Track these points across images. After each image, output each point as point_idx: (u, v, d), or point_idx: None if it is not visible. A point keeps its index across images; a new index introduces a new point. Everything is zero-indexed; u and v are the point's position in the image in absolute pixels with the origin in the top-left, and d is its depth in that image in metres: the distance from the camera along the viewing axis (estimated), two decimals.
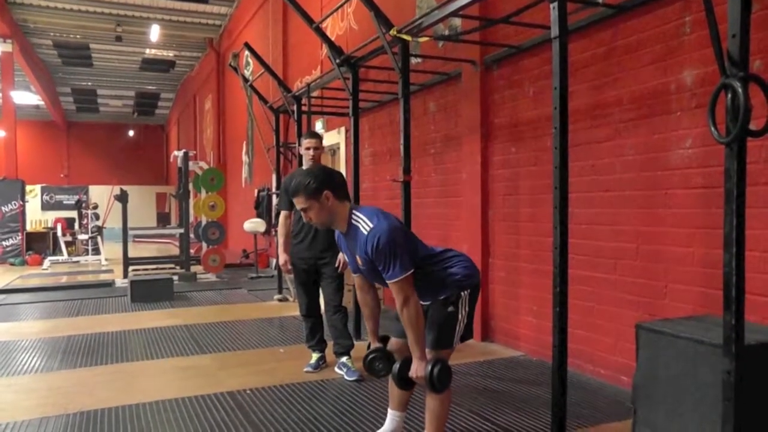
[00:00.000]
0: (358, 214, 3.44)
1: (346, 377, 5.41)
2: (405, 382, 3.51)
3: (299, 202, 3.48)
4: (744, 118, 2.66)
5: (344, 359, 5.56)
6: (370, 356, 3.58)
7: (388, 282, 3.30)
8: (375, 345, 3.68)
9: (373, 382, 5.24)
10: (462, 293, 3.46)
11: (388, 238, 3.25)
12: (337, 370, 5.58)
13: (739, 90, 2.68)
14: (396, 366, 3.47)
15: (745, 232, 2.77)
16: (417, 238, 3.59)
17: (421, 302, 3.41)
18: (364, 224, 3.36)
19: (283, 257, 5.70)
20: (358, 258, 3.45)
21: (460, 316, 3.45)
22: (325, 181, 3.46)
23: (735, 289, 2.76)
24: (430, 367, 3.30)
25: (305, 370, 5.66)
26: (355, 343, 5.68)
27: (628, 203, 4.98)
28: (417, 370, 3.33)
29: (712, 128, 2.85)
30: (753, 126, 2.72)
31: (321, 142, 5.82)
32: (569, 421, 4.03)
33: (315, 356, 5.78)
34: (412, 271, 3.29)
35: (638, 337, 3.91)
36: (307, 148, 5.65)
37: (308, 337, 5.84)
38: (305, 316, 5.80)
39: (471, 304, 3.53)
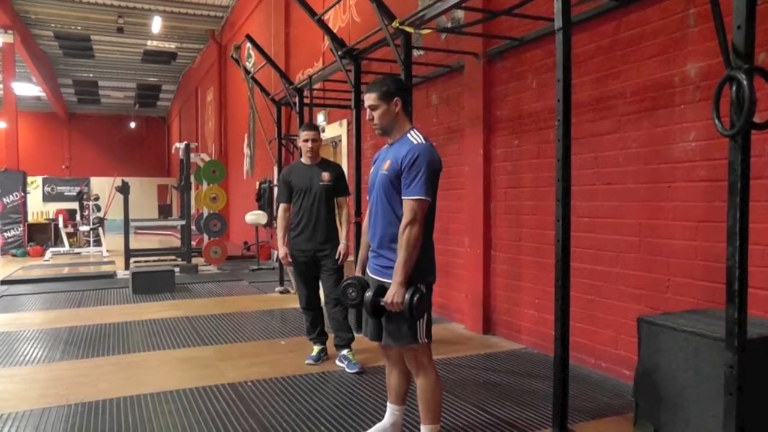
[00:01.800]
0: (417, 132, 3.47)
1: (347, 370, 5.41)
2: (376, 310, 3.36)
3: (369, 99, 3.48)
4: (749, 110, 2.65)
5: (345, 352, 5.56)
6: (346, 282, 3.51)
7: (405, 198, 3.28)
8: (357, 274, 3.67)
9: (374, 376, 5.25)
10: (419, 286, 3.35)
11: (429, 159, 3.29)
12: (338, 362, 5.58)
13: (744, 82, 2.67)
14: (369, 293, 3.35)
15: (749, 225, 2.76)
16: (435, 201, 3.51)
17: (381, 278, 3.40)
18: (418, 138, 3.40)
19: (282, 250, 5.67)
20: (387, 162, 3.42)
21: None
22: (399, 89, 3.51)
23: (738, 283, 2.75)
24: (410, 294, 3.22)
25: (306, 362, 5.66)
26: (356, 335, 5.67)
27: (630, 196, 4.97)
28: (395, 295, 3.23)
29: (717, 121, 2.83)
30: (757, 119, 2.71)
31: (319, 134, 5.75)
32: (570, 414, 4.04)
33: (316, 348, 5.77)
34: (429, 200, 3.29)
35: (640, 330, 3.91)
36: (305, 140, 5.59)
37: (309, 330, 5.84)
38: (305, 308, 5.78)
39: (428, 300, 3.44)
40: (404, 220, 3.27)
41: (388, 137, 3.56)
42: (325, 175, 5.57)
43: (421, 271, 3.37)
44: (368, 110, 3.51)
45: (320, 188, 5.54)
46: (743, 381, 2.79)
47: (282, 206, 5.74)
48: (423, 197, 3.25)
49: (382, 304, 3.30)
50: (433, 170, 3.32)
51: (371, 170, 3.68)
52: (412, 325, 3.33)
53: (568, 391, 3.96)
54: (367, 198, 3.68)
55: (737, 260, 2.75)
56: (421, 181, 3.25)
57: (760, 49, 3.74)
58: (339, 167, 5.86)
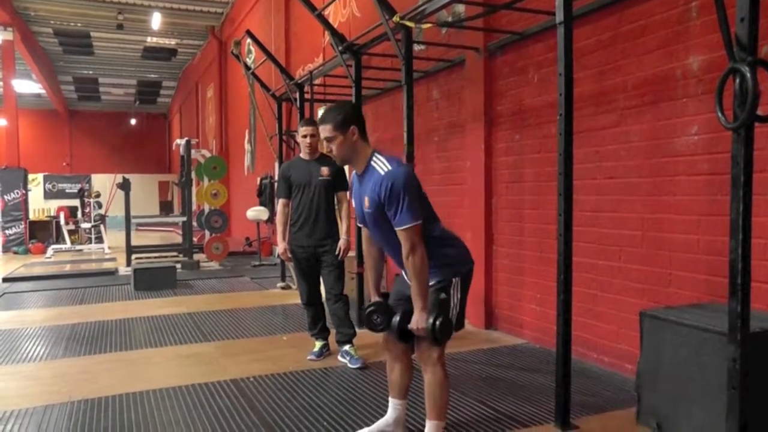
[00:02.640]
0: (379, 156, 3.41)
1: (349, 365, 5.41)
2: (404, 335, 3.44)
3: (324, 131, 3.44)
4: (752, 103, 2.64)
5: (347, 347, 5.56)
6: (369, 309, 3.53)
7: (396, 229, 3.26)
8: (375, 299, 3.66)
9: (376, 371, 5.24)
10: (453, 279, 3.42)
11: (404, 182, 3.23)
12: (340, 358, 5.58)
13: (748, 75, 2.66)
14: (396, 318, 3.41)
15: (752, 218, 2.76)
16: (429, 202, 3.50)
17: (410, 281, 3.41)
18: (383, 165, 3.33)
19: (281, 246, 5.68)
20: (366, 200, 3.38)
21: (452, 303, 3.39)
22: (354, 117, 3.47)
23: (741, 276, 2.75)
24: (432, 319, 3.25)
25: (308, 358, 5.67)
26: (357, 331, 5.66)
27: (632, 190, 4.96)
28: (418, 321, 3.27)
29: (719, 114, 2.83)
30: (761, 111, 2.70)
31: (317, 129, 5.63)
32: (573, 408, 4.04)
33: (318, 344, 5.77)
34: (420, 221, 3.25)
35: (642, 324, 3.91)
36: (304, 136, 5.56)
37: (310, 326, 5.83)
38: (306, 304, 5.77)
39: (463, 291, 3.48)
40: (404, 250, 3.26)
41: (351, 166, 3.55)
42: (325, 170, 5.52)
43: (450, 267, 3.42)
44: (325, 142, 3.49)
45: (320, 183, 5.51)
46: (746, 375, 2.78)
47: (281, 202, 5.72)
48: (412, 224, 3.23)
49: (409, 328, 3.35)
50: (412, 190, 3.26)
51: (352, 199, 3.68)
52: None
53: (571, 386, 3.96)
54: (358, 223, 3.72)
55: (740, 254, 2.74)
56: (404, 209, 3.21)
57: (763, 41, 3.73)
58: None
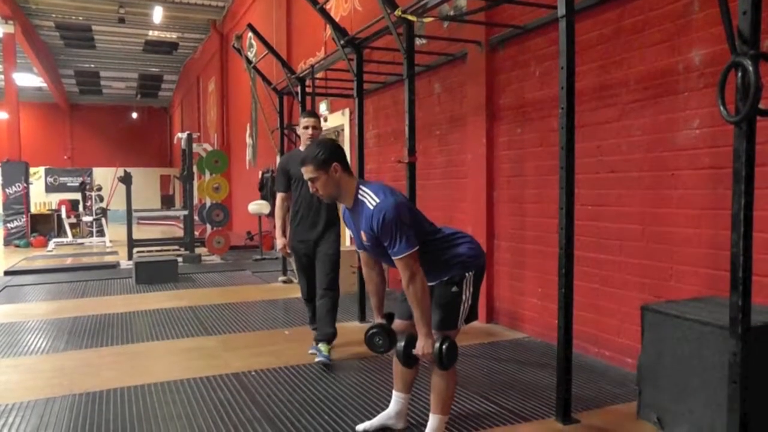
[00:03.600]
0: (365, 189, 3.40)
1: (316, 358, 5.35)
2: (409, 360, 3.45)
3: (307, 172, 3.45)
4: (754, 96, 2.63)
5: (320, 344, 5.42)
6: (371, 331, 3.54)
7: (393, 258, 3.26)
8: (378, 321, 3.66)
9: (379, 364, 5.25)
10: (466, 274, 3.43)
11: (394, 214, 3.22)
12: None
13: (750, 68, 2.65)
14: (401, 343, 3.41)
15: (753, 212, 2.75)
16: (423, 215, 3.54)
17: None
18: (371, 199, 3.32)
19: (281, 241, 5.60)
20: (363, 233, 3.41)
21: (464, 296, 3.42)
22: (334, 153, 3.45)
23: (742, 270, 2.75)
24: (438, 344, 3.26)
25: (310, 352, 5.62)
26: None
27: (634, 184, 4.95)
28: (424, 347, 3.29)
29: (721, 107, 2.82)
30: (763, 105, 2.69)
31: (320, 122, 5.68)
32: (574, 402, 4.04)
33: None
34: (417, 247, 3.25)
35: (644, 318, 3.91)
36: (306, 127, 5.49)
37: (312, 320, 5.80)
38: (307, 300, 5.76)
39: (475, 285, 3.50)
40: (403, 279, 3.26)
41: (339, 202, 3.56)
42: None
43: (462, 264, 3.43)
44: (310, 183, 3.50)
45: None
46: (747, 369, 2.79)
47: (280, 196, 5.64)
48: (409, 251, 3.23)
49: (415, 353, 3.36)
50: (403, 220, 3.25)
51: (349, 231, 3.71)
52: (454, 311, 3.42)
53: (572, 380, 3.97)
54: (357, 249, 3.71)
55: (742, 247, 2.74)
56: (399, 239, 3.22)
57: (766, 35, 3.72)
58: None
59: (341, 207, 3.65)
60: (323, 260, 5.46)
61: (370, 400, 4.43)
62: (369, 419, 3.91)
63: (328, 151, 3.44)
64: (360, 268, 6.80)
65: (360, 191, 3.41)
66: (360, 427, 3.86)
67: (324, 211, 5.47)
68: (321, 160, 3.39)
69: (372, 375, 5.03)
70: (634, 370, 4.07)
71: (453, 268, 3.42)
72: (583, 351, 5.36)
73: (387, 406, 3.92)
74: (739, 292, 2.77)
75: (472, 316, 3.55)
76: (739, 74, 2.71)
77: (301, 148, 5.59)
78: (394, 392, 3.84)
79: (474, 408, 4.26)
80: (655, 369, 3.80)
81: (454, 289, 3.38)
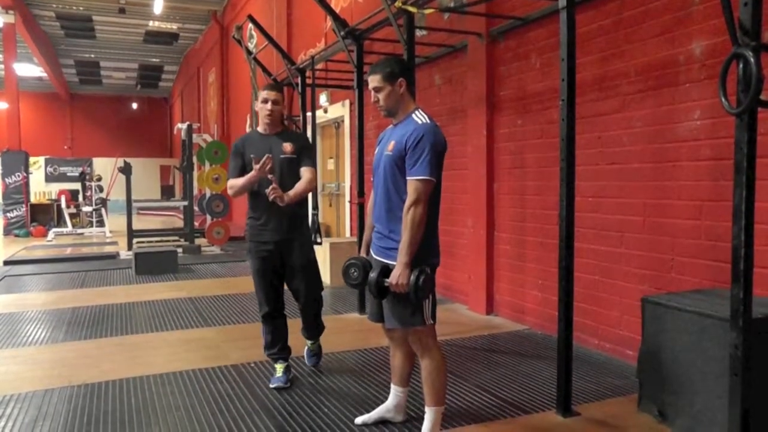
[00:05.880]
0: (422, 112, 3.43)
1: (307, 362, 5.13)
2: (381, 291, 3.33)
3: (373, 81, 3.44)
4: (756, 88, 2.62)
5: (312, 344, 5.13)
6: (348, 262, 3.49)
7: (409, 178, 3.24)
8: (360, 255, 3.66)
9: (377, 357, 5.25)
10: (425, 267, 3.30)
11: (433, 140, 3.24)
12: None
13: (751, 59, 2.64)
14: (374, 273, 3.33)
15: (754, 204, 2.74)
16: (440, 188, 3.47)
17: (385, 260, 3.37)
18: (422, 118, 3.36)
19: (255, 173, 4.35)
20: (391, 143, 3.38)
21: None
22: (403, 69, 3.46)
23: (743, 262, 2.74)
24: (415, 275, 3.18)
25: (272, 386, 4.61)
26: (360, 315, 5.45)
27: (634, 176, 4.94)
28: (400, 276, 3.19)
29: (723, 99, 2.80)
30: (764, 96, 2.68)
31: (283, 97, 4.70)
32: (574, 395, 4.05)
33: (280, 367, 4.74)
34: (434, 180, 3.25)
35: (644, 310, 3.90)
36: (265, 101, 4.50)
37: (269, 345, 4.80)
38: (267, 317, 4.81)
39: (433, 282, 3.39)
40: (408, 200, 3.22)
41: (393, 118, 3.52)
42: (288, 146, 4.51)
43: (426, 253, 3.33)
44: (372, 92, 3.47)
45: (283, 162, 4.48)
46: (748, 361, 2.78)
47: (230, 182, 4.61)
48: (427, 177, 3.21)
49: (387, 284, 3.27)
50: (438, 151, 3.27)
51: (376, 150, 3.63)
52: (418, 307, 3.31)
53: (572, 372, 3.96)
54: (371, 179, 3.63)
55: (743, 239, 2.73)
56: (425, 161, 3.21)
57: (767, 26, 3.70)
58: (305, 138, 5.07)
59: (387, 127, 3.61)
60: (302, 274, 4.75)
61: (369, 393, 4.43)
62: (368, 412, 3.91)
63: (398, 66, 3.46)
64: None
65: (416, 112, 3.42)
66: (359, 419, 3.86)
67: (288, 207, 4.46)
68: (389, 72, 3.40)
69: (371, 367, 5.02)
70: (635, 363, 4.06)
71: (420, 249, 3.27)
72: (583, 343, 5.35)
73: (386, 398, 3.91)
74: (740, 284, 2.76)
75: (435, 314, 3.44)
76: (741, 66, 2.70)
77: (259, 129, 4.65)
78: (392, 386, 3.83)
79: (474, 400, 4.25)
80: (656, 361, 3.80)
81: (428, 270, 3.25)
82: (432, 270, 3.37)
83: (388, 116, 3.54)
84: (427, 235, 3.32)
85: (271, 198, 4.29)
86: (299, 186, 4.47)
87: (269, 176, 4.30)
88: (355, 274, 3.45)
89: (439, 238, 3.50)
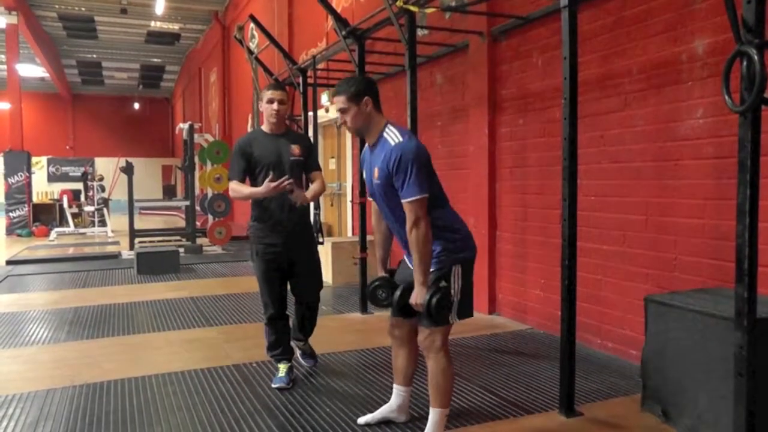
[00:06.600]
0: (392, 128, 3.39)
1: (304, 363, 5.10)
2: (404, 311, 3.41)
3: (338, 102, 3.42)
4: (759, 86, 2.60)
5: (305, 345, 5.08)
6: (374, 284, 3.54)
7: (403, 201, 3.23)
8: (381, 274, 3.65)
9: (380, 357, 5.24)
10: (453, 267, 3.34)
11: (413, 155, 3.21)
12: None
13: (755, 57, 2.62)
14: (397, 292, 3.39)
15: (759, 202, 2.73)
16: (438, 181, 3.47)
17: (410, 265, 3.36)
18: (394, 137, 3.32)
19: (265, 186, 4.24)
20: (376, 171, 3.36)
21: (452, 290, 3.33)
22: (367, 88, 3.44)
23: (748, 261, 2.72)
24: (429, 295, 3.20)
25: (275, 386, 4.59)
26: (362, 315, 5.44)
27: (637, 174, 4.93)
28: (417, 296, 3.24)
29: (726, 97, 2.79)
30: None
31: (287, 97, 4.66)
32: (577, 395, 4.03)
33: (283, 367, 4.72)
34: (427, 195, 3.22)
35: (647, 310, 3.89)
36: (270, 101, 4.47)
37: (272, 345, 4.78)
38: (272, 319, 4.75)
39: (465, 278, 3.40)
40: (408, 222, 3.22)
41: (365, 137, 3.51)
42: (296, 149, 4.54)
43: (451, 253, 3.35)
44: (339, 114, 3.46)
45: (292, 164, 4.50)
46: (753, 361, 2.76)
47: (233, 185, 4.53)
48: (418, 196, 3.19)
49: (410, 303, 3.31)
50: (421, 164, 3.23)
51: (363, 173, 3.63)
52: (449, 309, 3.33)
53: (575, 372, 3.95)
54: (370, 198, 3.65)
55: (747, 238, 2.71)
56: (412, 182, 3.18)
57: None
58: (308, 138, 5.10)
59: (365, 149, 3.60)
60: (310, 270, 4.81)
61: (372, 393, 4.42)
62: (371, 412, 3.89)
63: (362, 85, 3.43)
64: (362, 259, 6.83)
65: (386, 129, 3.39)
66: (362, 419, 3.84)
67: (297, 209, 4.53)
68: (353, 92, 3.38)
69: (374, 367, 5.01)
70: (638, 362, 4.05)
71: (441, 255, 3.32)
72: (586, 342, 5.34)
73: (389, 398, 3.90)
74: (744, 284, 2.74)
75: (465, 311, 3.43)
76: (744, 63, 2.68)
77: (264, 128, 4.62)
78: (394, 386, 3.81)
79: (476, 400, 4.24)
80: (660, 361, 3.78)
81: (443, 283, 3.27)
82: (464, 266, 3.39)
83: (359, 136, 3.54)
84: (445, 237, 3.35)
85: (298, 204, 4.37)
86: (315, 187, 4.56)
87: (286, 184, 4.20)
88: (383, 294, 3.53)
89: (463, 228, 3.48)
